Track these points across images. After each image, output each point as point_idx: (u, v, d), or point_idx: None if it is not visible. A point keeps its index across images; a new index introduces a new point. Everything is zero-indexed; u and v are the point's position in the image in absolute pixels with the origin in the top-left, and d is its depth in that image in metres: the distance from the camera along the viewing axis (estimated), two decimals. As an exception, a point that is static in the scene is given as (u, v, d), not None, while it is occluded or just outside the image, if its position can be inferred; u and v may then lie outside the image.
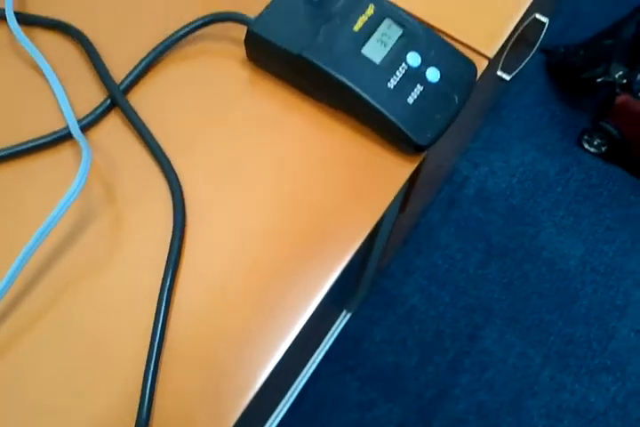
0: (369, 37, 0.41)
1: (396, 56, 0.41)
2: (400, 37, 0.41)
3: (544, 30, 0.82)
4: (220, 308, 0.38)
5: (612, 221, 1.33)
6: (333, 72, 0.39)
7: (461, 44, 0.46)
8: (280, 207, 0.40)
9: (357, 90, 0.39)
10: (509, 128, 1.47)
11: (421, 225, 1.40)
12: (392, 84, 0.40)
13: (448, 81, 0.41)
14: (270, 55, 0.41)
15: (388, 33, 0.41)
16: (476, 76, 0.42)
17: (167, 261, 0.39)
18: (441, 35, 0.46)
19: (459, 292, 1.33)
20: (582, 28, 1.51)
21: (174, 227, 0.39)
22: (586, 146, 1.34)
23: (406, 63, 0.41)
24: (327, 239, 0.40)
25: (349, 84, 0.39)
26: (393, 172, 0.42)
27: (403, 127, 0.40)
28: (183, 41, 0.44)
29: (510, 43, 0.78)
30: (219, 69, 0.44)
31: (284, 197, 0.41)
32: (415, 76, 0.41)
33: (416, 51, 0.41)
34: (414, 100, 0.40)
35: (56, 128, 0.42)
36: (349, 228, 0.40)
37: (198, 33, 0.44)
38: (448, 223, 1.39)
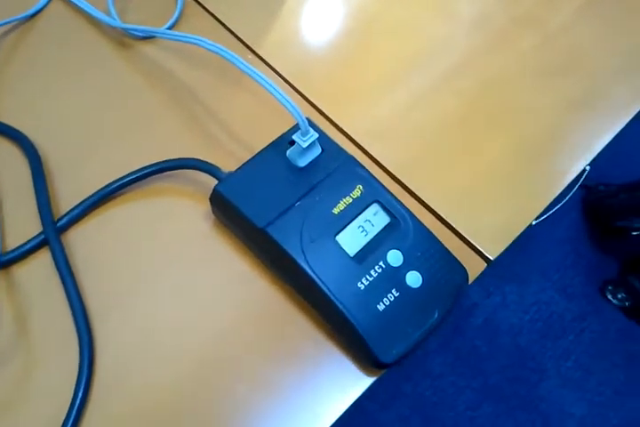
0: (349, 222, 0.34)
1: (374, 250, 0.34)
2: (385, 228, 0.35)
3: (584, 176, 0.76)
4: None
5: (624, 386, 1.21)
6: (296, 257, 0.33)
7: (462, 238, 0.39)
8: (192, 388, 0.33)
9: (319, 283, 0.33)
10: (531, 260, 1.38)
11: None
12: (363, 283, 0.33)
13: (430, 290, 0.34)
14: (233, 219, 0.35)
15: (373, 220, 0.35)
16: (464, 286, 0.35)
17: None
18: (439, 225, 0.40)
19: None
20: (629, 170, 1.45)
21: (73, 397, 0.32)
22: (609, 296, 1.25)
23: (385, 261, 0.34)
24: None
25: (312, 274, 0.33)
26: (342, 384, 0.34)
27: (365, 338, 0.33)
28: (152, 177, 0.38)
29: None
30: (178, 217, 0.38)
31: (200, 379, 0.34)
32: (393, 278, 0.34)
33: (400, 249, 0.34)
34: (386, 308, 0.33)
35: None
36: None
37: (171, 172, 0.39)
38: (446, 351, 1.29)
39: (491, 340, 1.29)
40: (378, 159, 0.41)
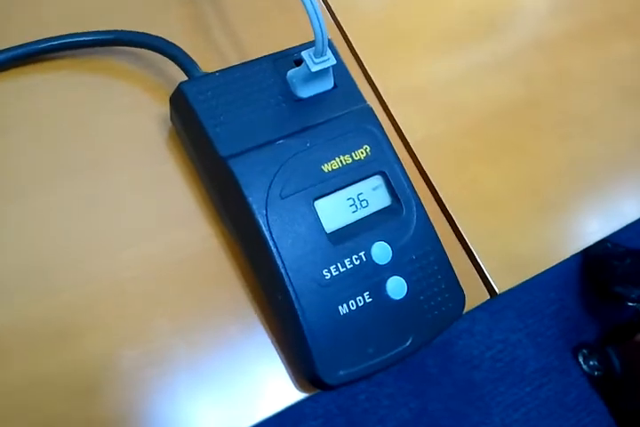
0: (338, 189, 0.25)
1: (358, 234, 0.25)
2: (381, 211, 0.26)
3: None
4: None
5: (564, 456, 1.14)
6: (255, 209, 0.24)
7: (471, 257, 0.30)
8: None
9: (273, 253, 0.24)
10: (511, 296, 1.30)
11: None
12: (331, 272, 0.24)
13: (413, 307, 0.25)
14: (192, 135, 0.26)
15: (369, 196, 0.26)
16: (455, 317, 0.26)
17: None
18: (449, 232, 0.31)
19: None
20: (643, 234, 1.36)
21: None
22: (580, 359, 1.16)
23: (368, 253, 0.25)
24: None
25: (267, 238, 0.24)
26: (261, 389, 0.25)
27: (310, 343, 0.24)
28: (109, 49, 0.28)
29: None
30: (125, 110, 0.28)
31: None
32: (370, 278, 0.25)
33: (391, 244, 0.25)
34: (349, 313, 0.24)
35: None
36: None
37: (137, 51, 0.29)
38: (394, 363, 1.20)
39: (444, 364, 1.20)
40: (401, 126, 0.32)
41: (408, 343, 0.25)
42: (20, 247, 0.25)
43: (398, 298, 0.25)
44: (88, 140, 0.27)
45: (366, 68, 0.32)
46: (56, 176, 0.26)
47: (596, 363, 1.13)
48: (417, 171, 0.31)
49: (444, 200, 0.31)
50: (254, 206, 0.23)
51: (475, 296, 0.29)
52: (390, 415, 1.16)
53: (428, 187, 0.31)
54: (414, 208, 0.26)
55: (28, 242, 0.25)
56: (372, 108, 0.27)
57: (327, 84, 0.26)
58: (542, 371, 1.21)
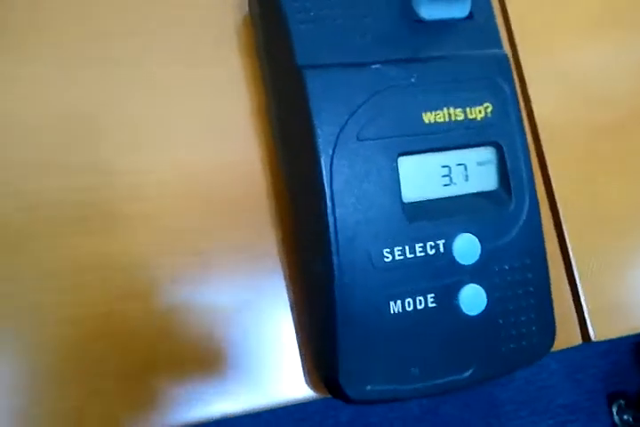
0: (434, 149, 0.19)
1: (443, 217, 0.18)
2: (482, 195, 0.19)
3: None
4: None
5: None
6: (319, 148, 0.18)
7: (574, 292, 0.24)
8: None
9: (328, 214, 0.18)
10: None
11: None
12: (392, 255, 0.18)
13: (486, 330, 0.19)
14: (270, 31, 0.20)
15: (472, 171, 0.19)
16: (537, 359, 0.20)
17: None
18: (556, 257, 0.24)
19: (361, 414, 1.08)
20: None
21: None
22: (614, 409, 1.07)
23: (448, 245, 0.18)
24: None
25: (326, 193, 0.18)
26: (260, 377, 0.20)
27: (339, 339, 0.18)
28: None
29: None
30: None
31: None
32: (442, 276, 0.18)
33: (482, 241, 0.18)
34: (400, 313, 0.18)
35: None
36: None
37: None
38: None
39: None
40: (530, 95, 0.25)
41: (467, 375, 0.18)
42: (47, 121, 0.20)
43: (471, 313, 0.18)
44: (148, 13, 0.21)
45: (508, 11, 0.25)
46: (101, 43, 0.21)
47: (630, 418, 1.03)
48: (535, 156, 0.24)
49: (559, 207, 0.24)
50: (320, 140, 0.17)
51: (564, 337, 0.23)
52: (399, 406, 1.11)
53: (544, 183, 0.24)
54: (526, 204, 0.19)
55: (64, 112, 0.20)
56: (508, 58, 0.20)
57: (461, 9, 0.19)
58: (570, 408, 1.12)
